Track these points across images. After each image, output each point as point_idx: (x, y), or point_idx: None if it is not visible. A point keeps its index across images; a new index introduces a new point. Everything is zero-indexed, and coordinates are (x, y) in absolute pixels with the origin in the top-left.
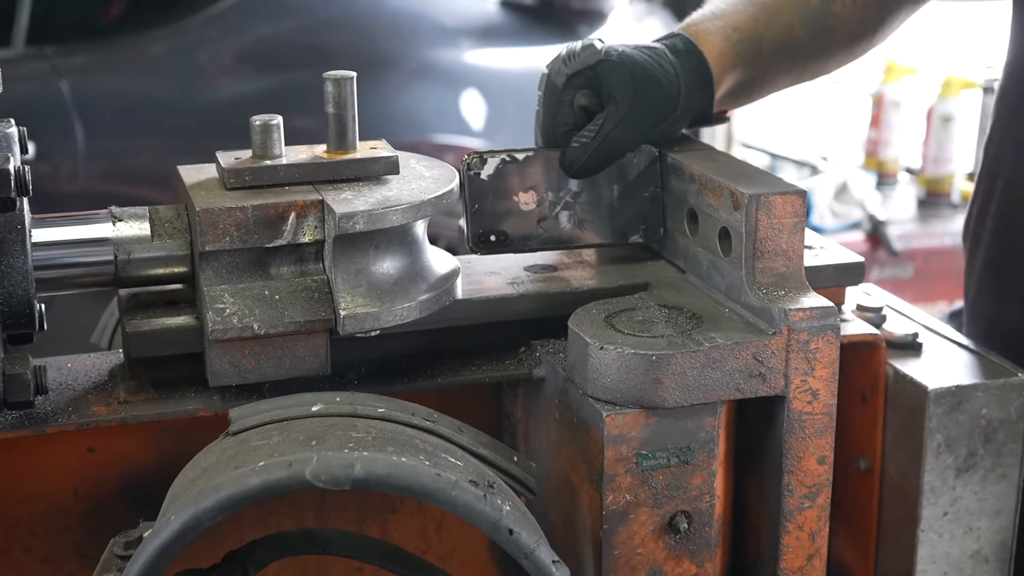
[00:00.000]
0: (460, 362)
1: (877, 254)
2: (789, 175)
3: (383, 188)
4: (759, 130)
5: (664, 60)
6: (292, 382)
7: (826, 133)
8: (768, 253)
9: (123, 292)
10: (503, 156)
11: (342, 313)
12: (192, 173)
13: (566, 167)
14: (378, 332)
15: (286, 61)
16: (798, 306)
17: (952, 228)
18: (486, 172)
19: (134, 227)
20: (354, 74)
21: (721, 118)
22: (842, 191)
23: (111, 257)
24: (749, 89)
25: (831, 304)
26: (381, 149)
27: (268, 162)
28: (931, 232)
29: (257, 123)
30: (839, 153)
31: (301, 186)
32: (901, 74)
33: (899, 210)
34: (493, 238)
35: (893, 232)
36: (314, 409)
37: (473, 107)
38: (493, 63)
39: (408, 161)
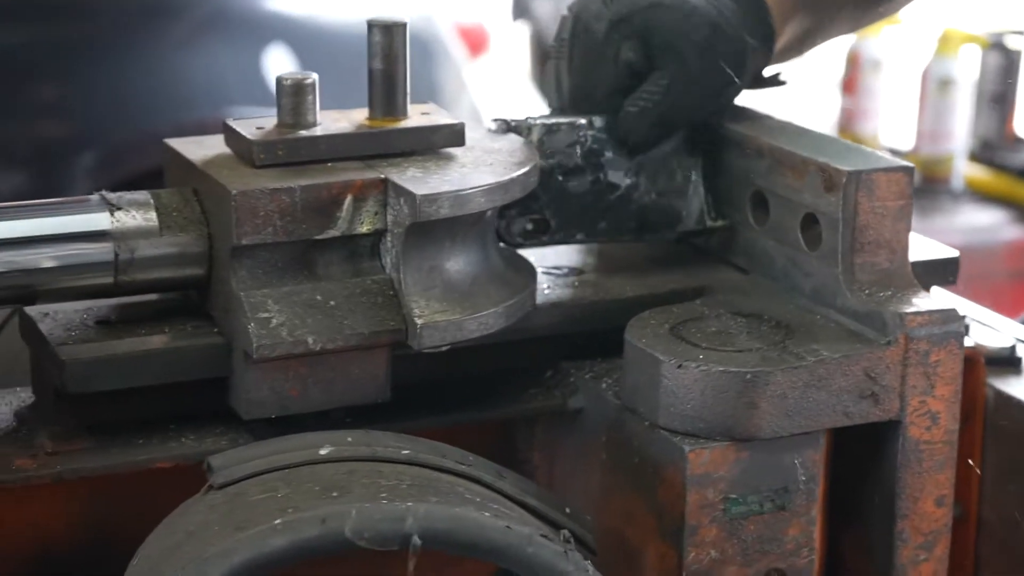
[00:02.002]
0: (468, 392)
1: None
2: None
3: (454, 164)
4: None
5: (724, 5)
6: (365, 409)
7: (787, 101)
8: (870, 244)
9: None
10: (545, 123)
11: (418, 322)
12: (191, 148)
13: (621, 138)
14: (449, 347)
15: (29, 12)
16: (914, 309)
17: (956, 223)
18: (535, 138)
19: (137, 217)
20: (407, 20)
21: (777, 80)
22: None
23: (110, 256)
24: (803, 40)
25: (953, 306)
26: (436, 114)
27: (304, 132)
28: (929, 228)
29: (288, 83)
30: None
31: (348, 162)
32: (882, 25)
33: None
34: (530, 226)
35: None
36: (323, 452)
37: (280, 68)
38: (307, 11)
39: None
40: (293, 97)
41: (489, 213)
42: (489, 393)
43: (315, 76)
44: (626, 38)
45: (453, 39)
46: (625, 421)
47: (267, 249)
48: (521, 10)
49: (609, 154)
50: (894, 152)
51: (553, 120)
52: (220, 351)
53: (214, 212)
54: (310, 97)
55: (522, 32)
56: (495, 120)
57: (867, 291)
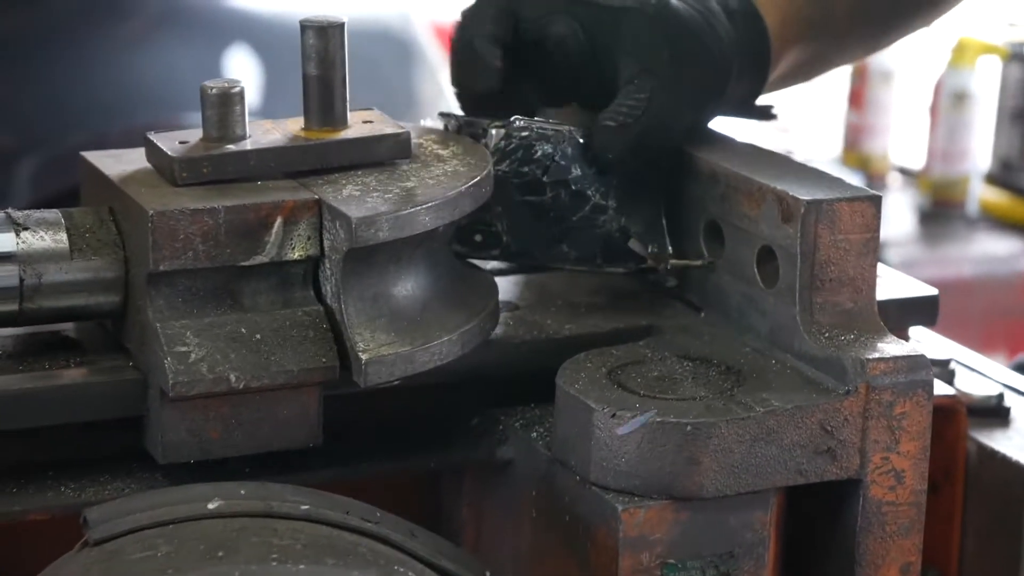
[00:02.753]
0: (386, 440)
1: None
2: None
3: (397, 179)
4: None
5: (717, 22)
6: (265, 458)
7: (789, 116)
8: (831, 282)
9: None
10: (504, 129)
11: (363, 357)
12: (108, 163)
13: (596, 155)
14: (399, 382)
15: None
16: (878, 355)
17: (970, 252)
18: (491, 144)
19: (46, 238)
20: (344, 20)
21: (767, 112)
22: None
23: (14, 281)
24: (809, 68)
25: (920, 352)
26: (380, 122)
27: (231, 147)
28: (941, 257)
29: (212, 91)
30: (807, 144)
31: (278, 181)
32: None
33: (893, 225)
34: (479, 237)
35: (891, 258)
36: (212, 507)
37: (243, 71)
38: (271, 9)
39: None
40: (219, 108)
41: (440, 229)
42: (409, 441)
43: (242, 84)
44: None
45: (430, 40)
46: (556, 475)
47: (187, 276)
48: None
49: (576, 171)
50: (904, 172)
51: (516, 126)
52: (134, 388)
53: (130, 234)
54: (238, 107)
55: None
56: (443, 114)
57: (827, 334)
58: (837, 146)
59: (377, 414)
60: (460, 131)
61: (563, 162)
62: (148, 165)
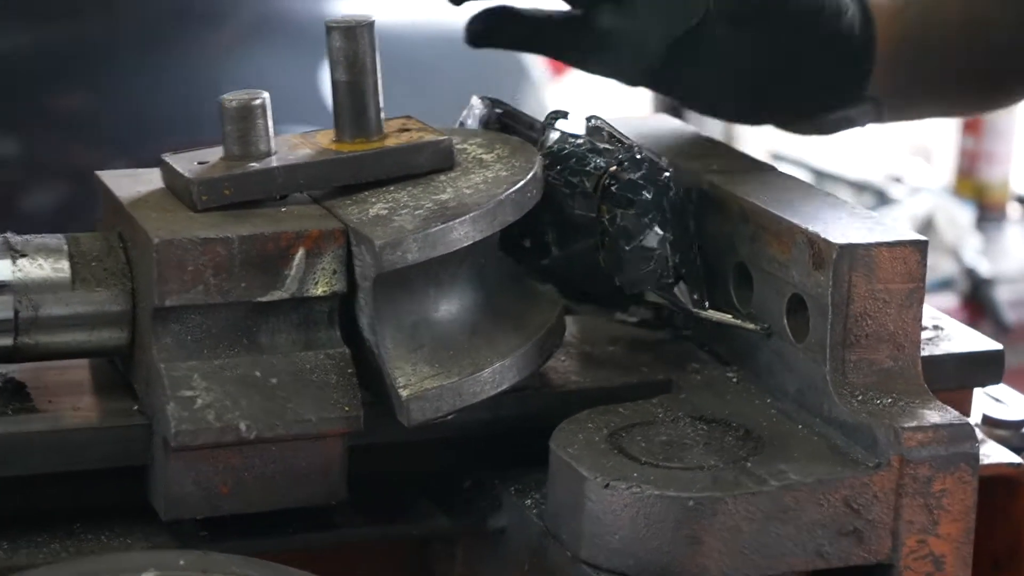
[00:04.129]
0: (366, 505)
1: (979, 327)
2: None
3: (431, 191)
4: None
5: None
6: (282, 516)
7: (898, 141)
8: (868, 338)
9: None
10: (564, 134)
11: (403, 393)
12: (123, 183)
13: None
14: (452, 416)
15: (48, 9)
16: (915, 423)
17: None
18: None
19: (45, 266)
20: (373, 19)
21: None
22: (924, 230)
23: (9, 313)
24: (907, 96)
25: (965, 419)
26: (418, 130)
27: (255, 165)
28: None
29: (232, 104)
30: (918, 172)
31: (302, 207)
32: None
33: (1011, 260)
34: (528, 242)
35: (1003, 295)
36: None
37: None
38: (372, 13)
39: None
40: (240, 123)
41: (483, 242)
42: (395, 504)
43: (265, 95)
44: None
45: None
46: (548, 548)
47: (198, 312)
48: None
49: (646, 193)
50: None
51: (581, 139)
52: (139, 434)
53: (138, 264)
54: (260, 121)
55: None
56: (483, 99)
57: (860, 396)
58: (951, 175)
59: (359, 473)
60: (498, 121)
61: (627, 177)
62: (162, 185)
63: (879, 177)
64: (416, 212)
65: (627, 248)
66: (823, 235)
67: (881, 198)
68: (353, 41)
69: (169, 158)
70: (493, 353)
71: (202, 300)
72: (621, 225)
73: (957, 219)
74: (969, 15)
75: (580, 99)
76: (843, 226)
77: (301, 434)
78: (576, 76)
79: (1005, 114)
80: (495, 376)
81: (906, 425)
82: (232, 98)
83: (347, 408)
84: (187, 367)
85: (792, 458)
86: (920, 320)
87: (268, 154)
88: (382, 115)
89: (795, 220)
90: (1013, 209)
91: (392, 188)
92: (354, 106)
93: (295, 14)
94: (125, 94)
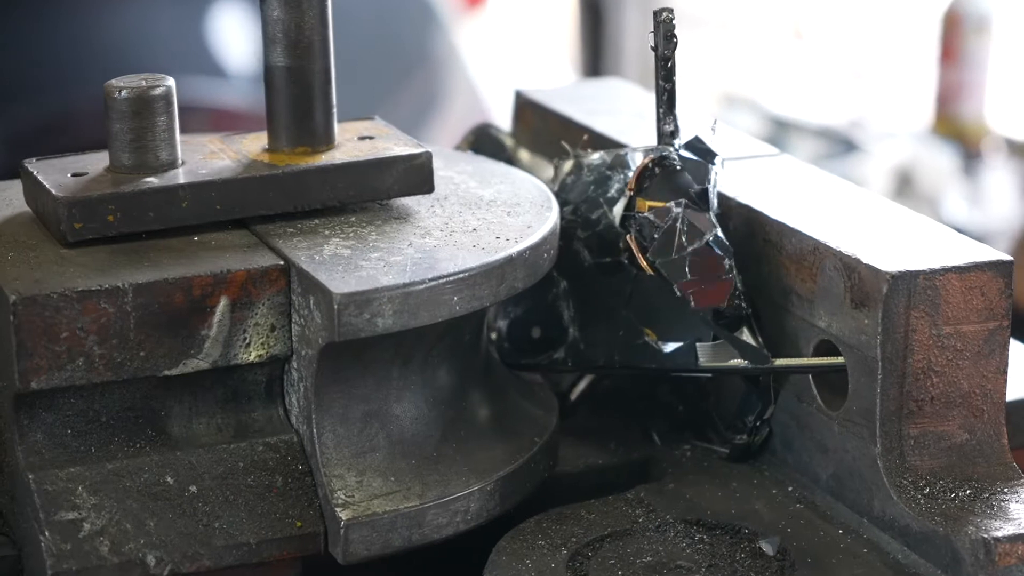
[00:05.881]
0: None
1: None
2: (805, 154)
3: (408, 231)
4: (753, 76)
5: None
6: None
7: (865, 77)
8: (934, 402)
9: None
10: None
11: (342, 516)
12: None
13: None
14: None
15: None
16: (1012, 529)
17: None
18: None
19: None
20: None
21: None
22: (901, 183)
23: None
24: None
25: None
26: (384, 138)
27: (153, 180)
28: None
29: (123, 94)
30: (889, 113)
31: (226, 233)
32: None
33: (994, 209)
34: (537, 332)
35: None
36: None
37: (232, 35)
38: None
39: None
40: (133, 120)
41: (475, 315)
42: None
43: (170, 83)
44: None
45: None
46: None
47: (79, 396)
48: None
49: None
50: (1009, 144)
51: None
52: (4, 568)
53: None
54: (162, 119)
55: None
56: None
57: (926, 489)
58: (928, 114)
59: None
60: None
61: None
62: (28, 209)
63: (846, 122)
64: (392, 259)
65: (690, 248)
66: (865, 259)
67: (848, 146)
68: (297, 10)
69: (33, 166)
70: (469, 470)
71: (84, 379)
72: (685, 223)
73: (937, 167)
74: None
75: (496, 37)
76: (890, 241)
77: (235, 564)
78: (492, 13)
79: (979, 43)
80: (469, 505)
81: (999, 534)
82: (123, 85)
83: (299, 523)
84: (67, 476)
85: None
86: (1005, 374)
87: (173, 165)
88: (334, 116)
89: (820, 237)
90: (997, 146)
91: (354, 219)
92: (296, 103)
93: None
94: None
